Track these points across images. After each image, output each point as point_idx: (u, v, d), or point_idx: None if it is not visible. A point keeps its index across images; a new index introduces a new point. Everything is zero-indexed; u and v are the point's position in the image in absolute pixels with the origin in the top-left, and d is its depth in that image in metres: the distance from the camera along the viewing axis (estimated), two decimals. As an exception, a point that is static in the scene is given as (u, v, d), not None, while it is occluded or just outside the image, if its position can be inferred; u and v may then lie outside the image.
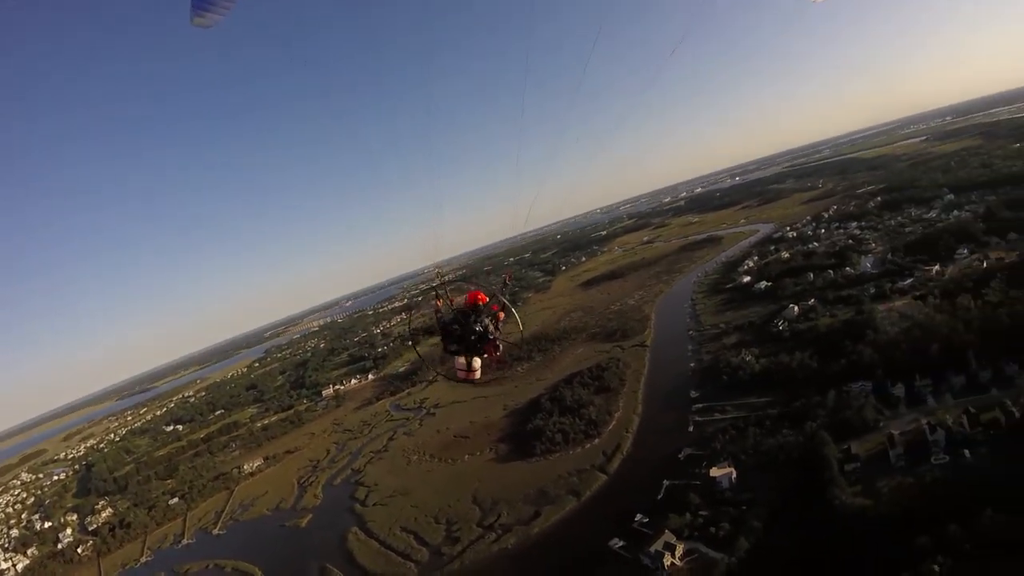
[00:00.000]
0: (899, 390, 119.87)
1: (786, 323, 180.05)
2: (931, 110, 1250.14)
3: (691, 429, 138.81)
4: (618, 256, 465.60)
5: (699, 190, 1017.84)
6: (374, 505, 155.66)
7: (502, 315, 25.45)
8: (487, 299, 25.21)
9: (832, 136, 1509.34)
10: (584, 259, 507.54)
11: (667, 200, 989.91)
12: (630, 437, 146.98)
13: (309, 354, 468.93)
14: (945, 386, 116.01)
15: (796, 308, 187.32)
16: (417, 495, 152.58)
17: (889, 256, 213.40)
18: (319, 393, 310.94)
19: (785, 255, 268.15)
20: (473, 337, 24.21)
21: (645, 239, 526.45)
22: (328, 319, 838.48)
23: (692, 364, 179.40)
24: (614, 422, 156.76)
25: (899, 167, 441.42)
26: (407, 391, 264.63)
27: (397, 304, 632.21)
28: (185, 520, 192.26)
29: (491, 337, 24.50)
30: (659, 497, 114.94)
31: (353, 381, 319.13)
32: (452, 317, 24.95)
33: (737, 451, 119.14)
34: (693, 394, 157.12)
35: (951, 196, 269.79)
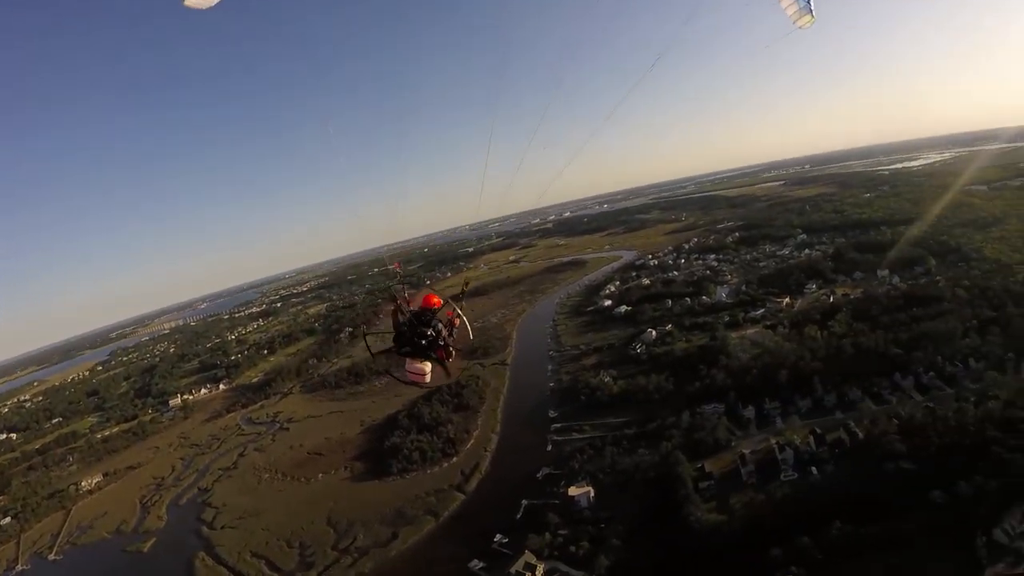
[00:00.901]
0: (750, 412, 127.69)
1: (644, 346, 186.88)
2: (791, 158, 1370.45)
3: (549, 448, 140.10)
4: (483, 273, 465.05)
5: (567, 214, 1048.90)
6: (223, 528, 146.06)
7: (458, 321, 25.64)
8: (441, 303, 25.30)
9: (698, 174, 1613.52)
10: (449, 274, 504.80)
11: (536, 222, 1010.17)
12: (488, 456, 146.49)
13: (157, 359, 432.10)
14: (793, 409, 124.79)
15: (654, 332, 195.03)
16: (269, 517, 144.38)
17: (743, 288, 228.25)
18: (166, 403, 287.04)
19: (646, 282, 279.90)
20: (424, 341, 24.32)
21: (511, 258, 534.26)
22: (180, 321, 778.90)
23: (551, 384, 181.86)
24: (472, 440, 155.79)
25: (758, 207, 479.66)
26: (260, 404, 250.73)
27: (255, 309, 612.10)
28: (19, 543, 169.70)
29: (442, 343, 24.58)
30: (518, 517, 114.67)
31: (203, 391, 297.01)
32: (406, 319, 24.96)
33: (595, 470, 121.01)
34: (552, 413, 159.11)
35: (804, 236, 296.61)
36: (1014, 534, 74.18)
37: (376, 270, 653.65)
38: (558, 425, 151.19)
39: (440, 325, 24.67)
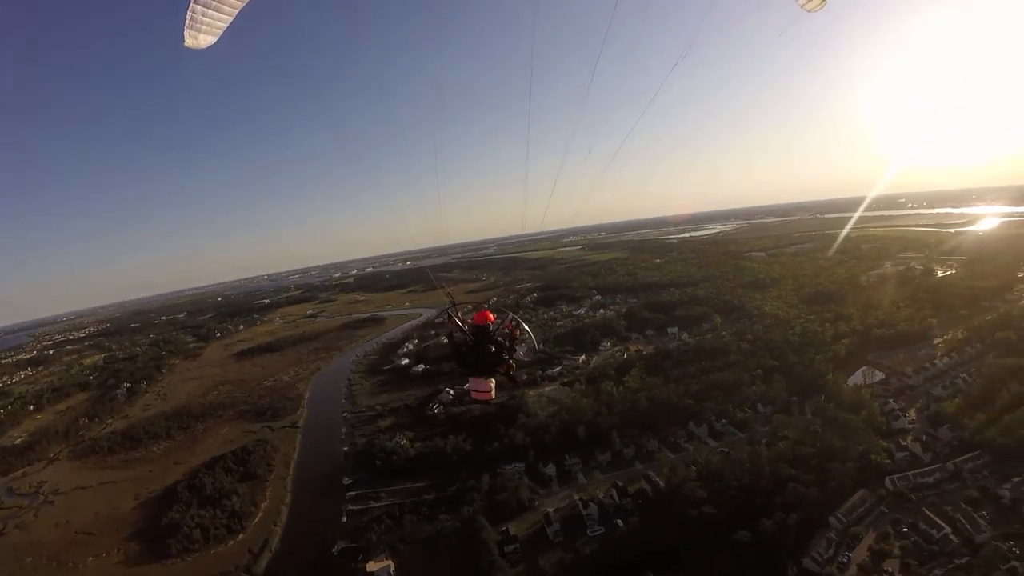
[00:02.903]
0: (551, 469, 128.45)
1: (441, 407, 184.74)
2: (591, 224, 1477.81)
3: (345, 519, 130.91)
4: (278, 327, 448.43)
5: (370, 269, 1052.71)
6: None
7: (517, 333, 26.16)
8: (495, 319, 26.10)
9: (500, 236, 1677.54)
10: (242, 327, 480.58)
11: (337, 275, 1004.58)
12: (279, 531, 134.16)
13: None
14: (593, 463, 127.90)
15: (451, 392, 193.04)
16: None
17: (540, 346, 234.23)
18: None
19: (444, 340, 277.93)
20: (486, 358, 24.98)
21: (309, 312, 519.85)
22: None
23: (345, 448, 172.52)
24: (261, 514, 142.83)
25: (557, 269, 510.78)
26: (22, 471, 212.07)
27: (24, 356, 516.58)
28: None
29: (505, 357, 25.21)
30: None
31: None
32: (464, 338, 25.79)
33: (394, 541, 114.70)
34: (346, 480, 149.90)
35: (599, 297, 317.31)
36: (823, 560, 79.68)
37: (164, 318, 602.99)
38: (353, 493, 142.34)
39: (500, 340, 25.35)
